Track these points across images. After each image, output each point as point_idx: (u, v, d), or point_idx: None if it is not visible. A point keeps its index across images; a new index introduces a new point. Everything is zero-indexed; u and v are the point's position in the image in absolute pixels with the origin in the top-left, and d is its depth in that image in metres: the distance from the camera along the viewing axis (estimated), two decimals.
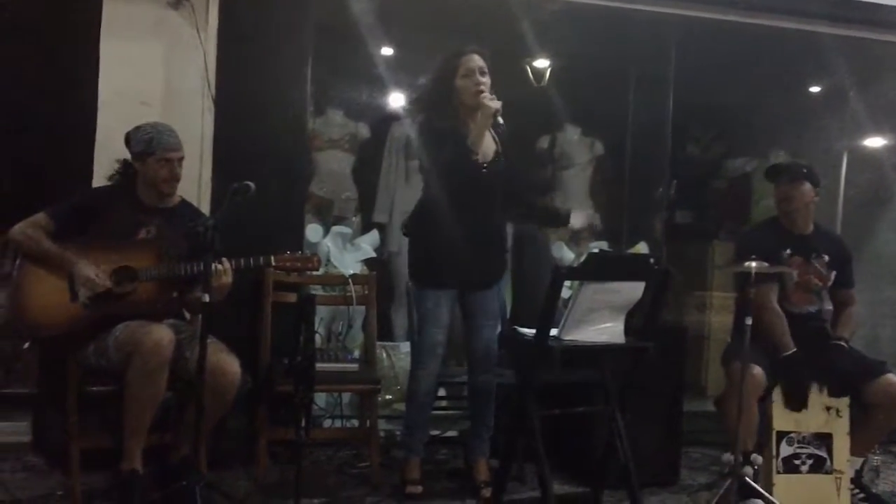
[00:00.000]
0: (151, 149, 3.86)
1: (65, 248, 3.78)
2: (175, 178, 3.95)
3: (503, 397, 4.48)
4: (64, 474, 4.06)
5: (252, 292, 4.44)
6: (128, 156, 3.97)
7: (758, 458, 4.11)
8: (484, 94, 3.97)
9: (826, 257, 4.49)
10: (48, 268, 3.79)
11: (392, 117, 6.42)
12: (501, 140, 4.18)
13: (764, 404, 4.25)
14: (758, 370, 4.10)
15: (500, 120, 3.96)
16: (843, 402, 4.31)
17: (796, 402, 4.26)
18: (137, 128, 3.94)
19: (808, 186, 4.44)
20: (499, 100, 3.99)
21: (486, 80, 4.04)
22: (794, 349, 4.24)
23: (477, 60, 4.06)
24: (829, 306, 4.50)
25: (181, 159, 3.95)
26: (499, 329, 4.30)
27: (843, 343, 4.38)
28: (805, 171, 4.51)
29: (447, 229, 4.04)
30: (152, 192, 3.96)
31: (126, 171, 4.02)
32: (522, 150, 6.81)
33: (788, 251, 4.42)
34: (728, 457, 4.08)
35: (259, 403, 4.27)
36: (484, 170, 4.04)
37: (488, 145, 4.09)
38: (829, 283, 4.50)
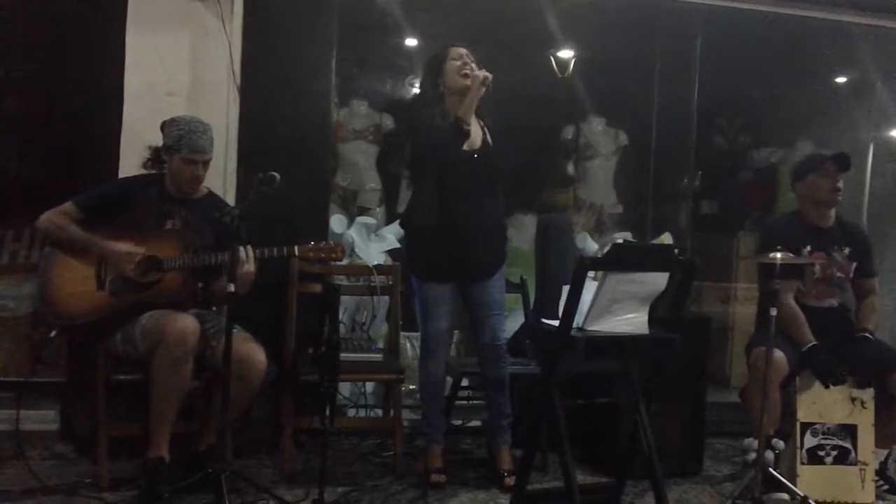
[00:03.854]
0: (178, 146, 3.89)
1: (92, 235, 3.82)
2: (196, 180, 3.98)
3: (528, 387, 4.49)
4: (92, 462, 4.10)
5: (277, 283, 4.45)
6: (160, 143, 4.01)
7: (779, 443, 4.10)
8: (471, 68, 4.05)
9: (847, 250, 4.47)
10: (75, 256, 3.84)
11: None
12: (490, 131, 4.20)
13: (787, 392, 4.24)
14: (780, 354, 4.09)
15: (489, 77, 3.98)
16: (868, 394, 4.29)
17: (834, 381, 4.24)
18: (174, 120, 3.96)
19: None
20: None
21: (474, 64, 4.10)
22: (814, 342, 4.23)
23: (461, 49, 4.15)
24: (852, 298, 4.48)
25: (206, 162, 3.97)
26: (503, 317, 4.32)
27: (868, 335, 4.36)
28: (849, 158, 4.48)
29: (440, 222, 4.07)
30: (178, 188, 3.99)
31: (156, 158, 4.05)
32: (547, 140, 6.83)
33: (809, 248, 4.39)
34: (749, 441, 4.07)
35: (284, 393, 4.29)
36: (474, 156, 4.08)
37: (476, 134, 4.12)
38: (851, 275, 4.49)
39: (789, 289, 4.28)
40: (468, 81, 4.02)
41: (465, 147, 4.05)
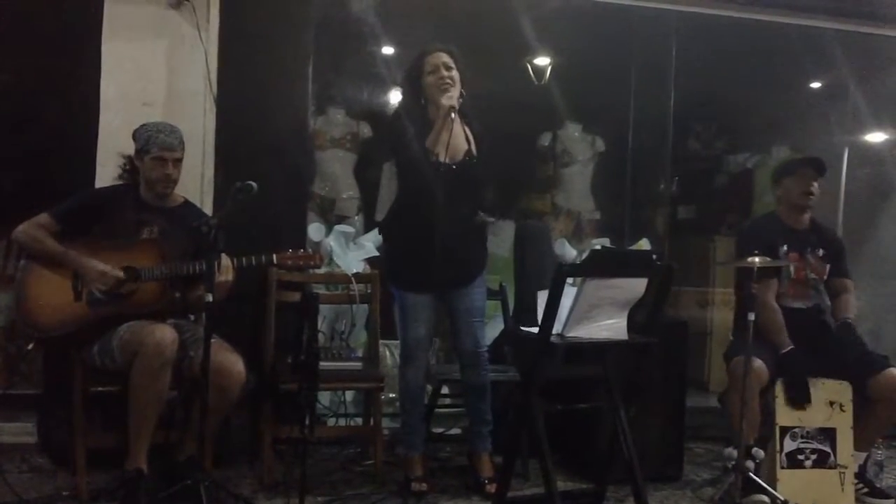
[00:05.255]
0: (148, 147, 3.89)
1: (68, 248, 3.80)
2: (169, 179, 3.96)
3: (507, 393, 4.49)
4: (70, 474, 4.07)
5: (256, 291, 4.45)
6: (132, 152, 4.00)
7: (759, 452, 4.12)
8: (442, 89, 4.01)
9: (821, 251, 4.52)
10: (52, 268, 3.81)
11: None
12: (477, 139, 4.17)
13: (766, 399, 4.25)
14: (759, 363, 4.11)
15: (454, 115, 3.94)
16: (847, 397, 4.31)
17: (799, 399, 4.27)
18: (143, 125, 3.97)
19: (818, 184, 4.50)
20: (464, 94, 4.08)
21: (453, 73, 4.07)
22: (791, 346, 4.26)
23: (441, 57, 4.10)
24: (827, 300, 4.52)
25: (177, 160, 3.96)
26: (484, 324, 4.31)
27: (849, 321, 4.40)
28: (825, 164, 4.56)
29: (418, 231, 4.05)
30: (152, 191, 3.97)
31: (131, 168, 4.03)
32: (524, 147, 6.84)
33: (785, 247, 4.43)
34: (730, 451, 4.09)
35: (263, 402, 4.27)
36: (453, 168, 4.04)
37: (459, 145, 4.09)
38: (825, 277, 4.52)
39: (768, 288, 4.31)
40: (452, 92, 4.01)
41: (445, 159, 4.02)
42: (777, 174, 4.62)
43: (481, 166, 4.15)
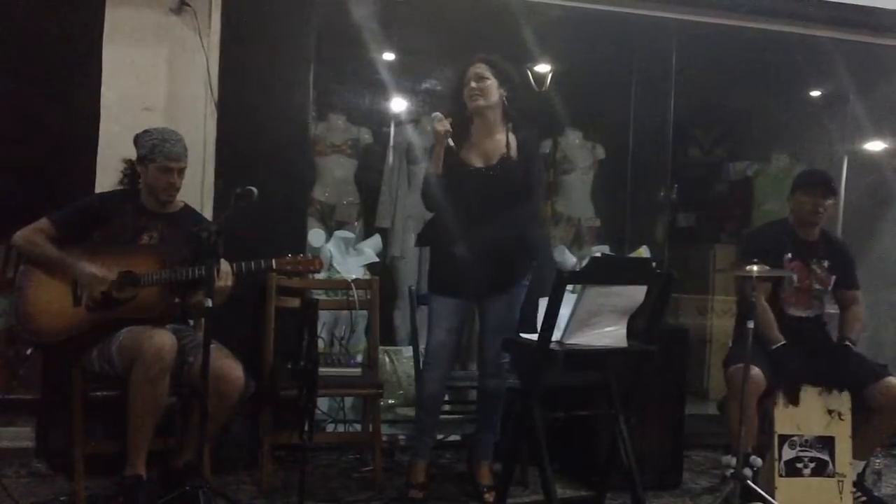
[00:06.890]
0: (153, 155, 3.87)
1: (67, 253, 3.80)
2: (173, 188, 3.95)
3: (507, 401, 4.49)
4: (68, 479, 4.07)
5: (255, 297, 4.44)
6: (134, 157, 3.99)
7: (757, 461, 4.11)
8: (436, 114, 4.02)
9: (826, 262, 4.51)
10: (51, 273, 3.80)
11: (394, 122, 6.45)
12: (520, 144, 4.12)
13: (766, 406, 4.25)
14: (757, 371, 4.11)
15: (451, 142, 3.96)
16: (846, 405, 4.31)
17: (788, 396, 4.27)
18: (146, 131, 3.95)
19: (832, 201, 4.50)
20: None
21: (484, 84, 4.06)
22: (783, 341, 4.27)
23: (477, 68, 4.09)
24: (831, 310, 4.52)
25: (182, 170, 3.95)
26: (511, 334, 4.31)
27: (849, 344, 4.40)
28: (835, 185, 4.58)
29: (447, 235, 4.03)
30: (153, 197, 3.97)
31: (132, 173, 4.03)
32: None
33: (789, 255, 4.43)
34: (728, 459, 4.09)
35: (262, 408, 4.27)
36: (482, 171, 4.05)
37: (495, 148, 4.09)
38: (830, 287, 4.52)
39: (762, 290, 4.30)
40: (480, 102, 4.03)
41: (479, 164, 4.05)
42: (792, 185, 4.61)
43: (522, 170, 4.09)
